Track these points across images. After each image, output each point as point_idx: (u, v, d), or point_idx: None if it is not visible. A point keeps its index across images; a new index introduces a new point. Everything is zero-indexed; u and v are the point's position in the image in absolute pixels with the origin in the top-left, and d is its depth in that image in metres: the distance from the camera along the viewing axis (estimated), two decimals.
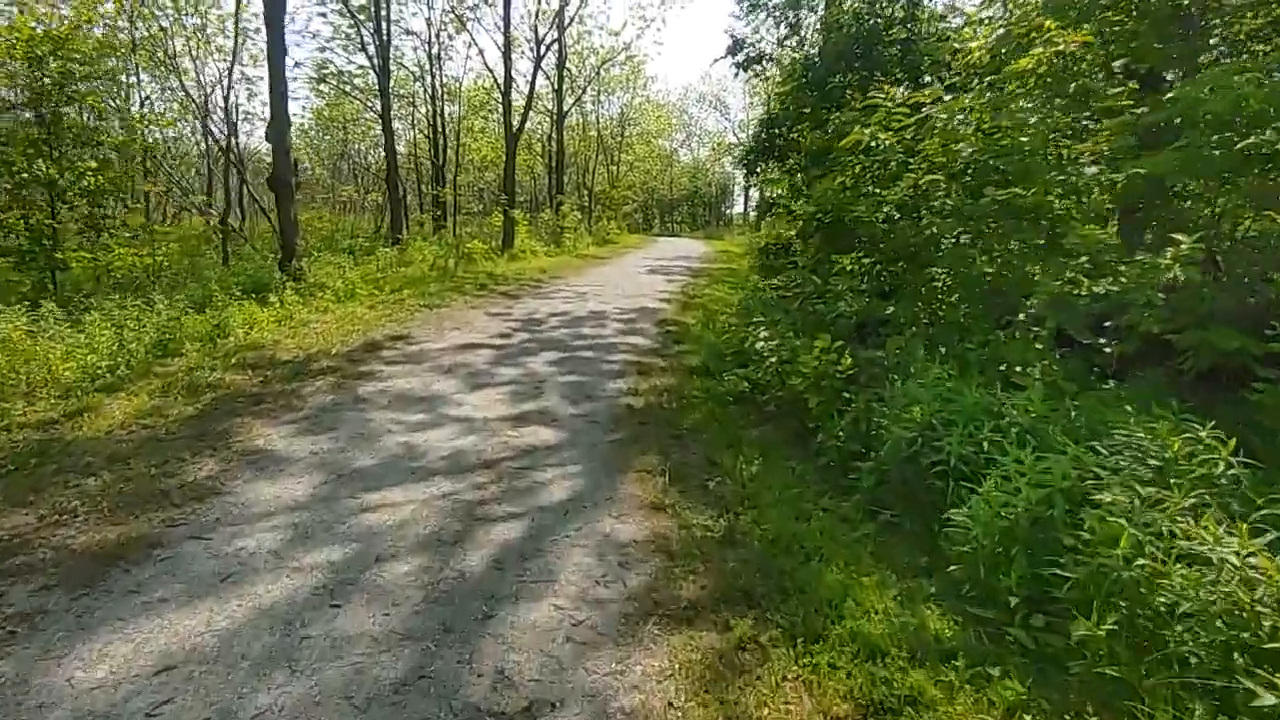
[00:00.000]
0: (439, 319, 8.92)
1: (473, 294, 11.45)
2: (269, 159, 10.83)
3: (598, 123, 36.17)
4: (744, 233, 38.97)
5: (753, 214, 43.75)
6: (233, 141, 14.87)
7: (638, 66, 33.71)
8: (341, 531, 3.17)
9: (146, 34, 14.54)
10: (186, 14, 16.15)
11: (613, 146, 38.65)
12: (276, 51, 9.25)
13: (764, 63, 15.47)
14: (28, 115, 7.14)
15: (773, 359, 5.59)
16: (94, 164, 7.23)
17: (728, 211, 66.11)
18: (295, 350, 6.72)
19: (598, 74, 30.37)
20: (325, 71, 22.27)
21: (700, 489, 3.87)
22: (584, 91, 31.02)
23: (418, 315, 9.09)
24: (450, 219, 23.23)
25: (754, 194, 54.98)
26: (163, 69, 15.69)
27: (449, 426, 4.76)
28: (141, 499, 3.35)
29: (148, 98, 18.22)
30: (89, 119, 8.49)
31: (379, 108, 18.89)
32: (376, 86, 19.23)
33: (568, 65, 27.00)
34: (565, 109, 27.31)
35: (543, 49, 21.99)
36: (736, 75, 17.68)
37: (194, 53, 16.11)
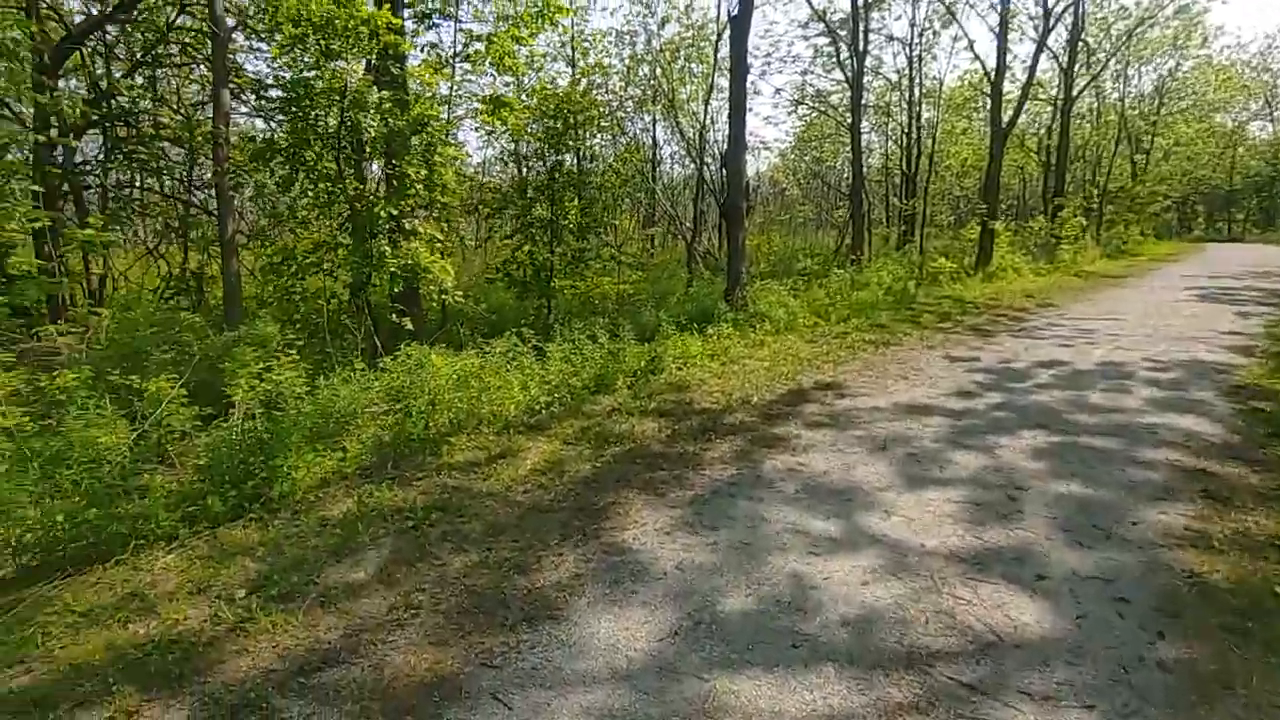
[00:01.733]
0: (883, 361, 7.39)
1: (931, 326, 9.51)
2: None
3: (1121, 103, 28.66)
4: None
5: None
6: (705, 166, 15.89)
7: (1194, 19, 25.35)
8: None
9: (650, 81, 16.63)
10: (691, 61, 18.12)
11: (1141, 130, 30.20)
12: (738, 73, 9.01)
13: None
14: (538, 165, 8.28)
15: None
16: (577, 203, 7.93)
17: None
18: (716, 395, 6.11)
19: (1128, 39, 23.81)
20: (803, 94, 22.74)
21: None
22: (1103, 67, 24.75)
23: (859, 355, 7.72)
24: (918, 233, 21.08)
25: None
26: (663, 108, 17.81)
27: (864, 554, 3.29)
28: (482, 604, 2.86)
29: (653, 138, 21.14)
30: (580, 162, 9.57)
31: (850, 121, 18.13)
32: (849, 101, 18.56)
33: (1084, 38, 21.78)
34: (1075, 93, 22.12)
35: (1051, 21, 17.97)
36: None
37: (683, 84, 17.89)
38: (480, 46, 8.30)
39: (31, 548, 3.20)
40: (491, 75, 8.53)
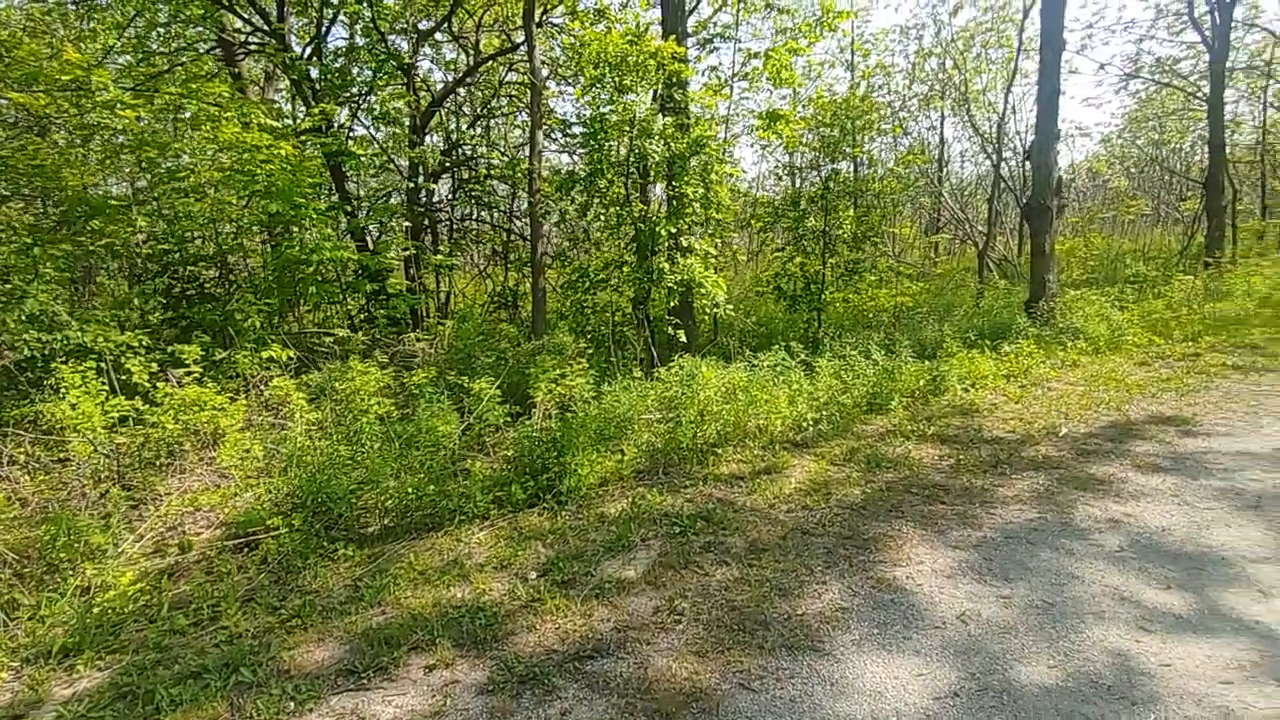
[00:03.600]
0: (1254, 393, 5.78)
1: None
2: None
3: None
4: None
5: None
6: (1003, 161, 14.08)
7: None
8: None
9: (944, 74, 15.27)
10: (988, 47, 16.28)
11: None
12: (1049, 52, 7.82)
13: None
14: (810, 176, 8.11)
15: None
16: (852, 212, 7.60)
17: None
18: (1012, 422, 5.35)
19: None
20: (1139, 65, 19.01)
21: None
22: None
23: (1217, 383, 6.15)
24: None
25: None
26: (953, 102, 16.26)
27: (1225, 642, 2.58)
28: (741, 619, 2.84)
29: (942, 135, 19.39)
30: (858, 169, 9.13)
31: (1206, 92, 14.65)
32: (1207, 68, 15.04)
33: None
34: None
35: None
36: None
37: (978, 73, 16.12)
38: (758, 64, 8.42)
39: (391, 512, 4.01)
40: (769, 90, 8.60)
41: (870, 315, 8.78)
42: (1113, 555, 3.26)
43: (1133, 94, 22.42)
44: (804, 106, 8.01)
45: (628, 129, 6.27)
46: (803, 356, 6.48)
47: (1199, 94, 16.75)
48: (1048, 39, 7.99)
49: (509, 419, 4.99)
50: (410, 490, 3.98)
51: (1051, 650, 2.59)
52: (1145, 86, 20.77)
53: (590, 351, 6.90)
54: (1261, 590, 2.91)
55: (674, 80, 6.99)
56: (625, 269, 6.71)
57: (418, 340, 7.24)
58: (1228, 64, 15.19)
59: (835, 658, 2.59)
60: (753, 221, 8.72)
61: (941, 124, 18.71)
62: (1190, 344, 7.65)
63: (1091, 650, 2.58)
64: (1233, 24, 15.03)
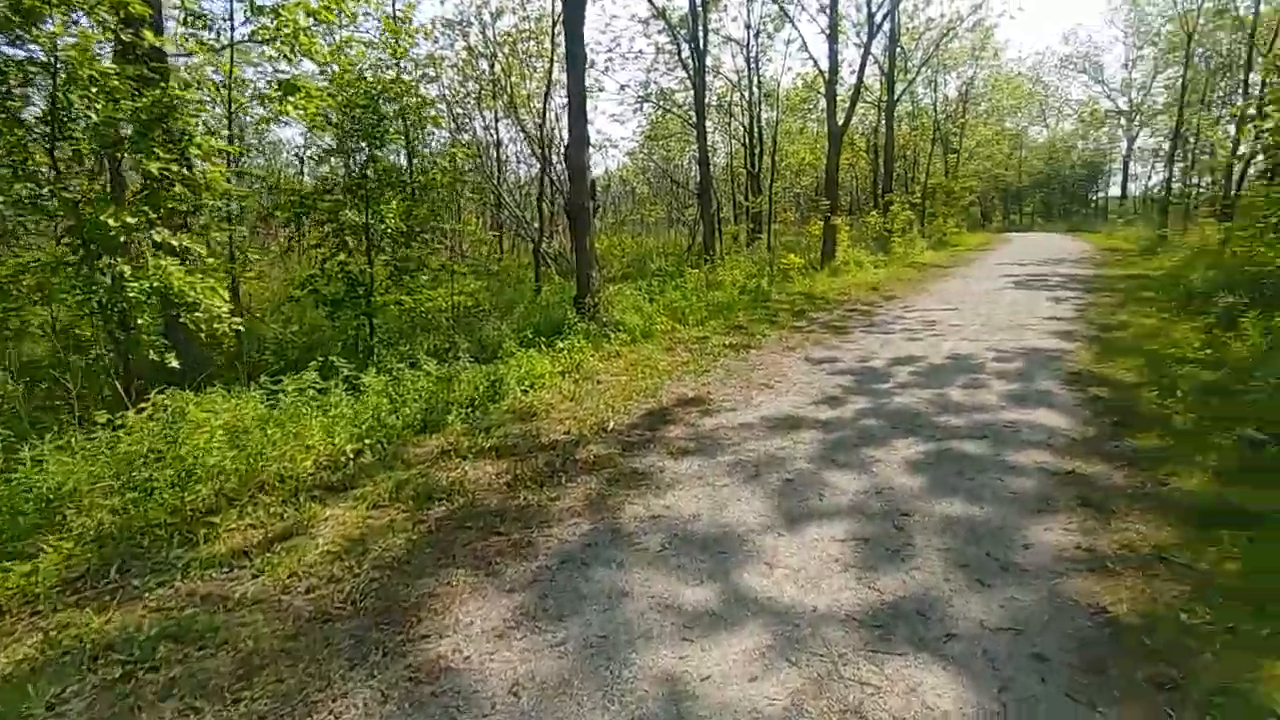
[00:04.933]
0: (746, 368, 6.97)
1: (788, 325, 9.33)
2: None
3: (934, 107, 31.33)
4: (1131, 223, 30.24)
5: (1158, 194, 34.41)
6: (550, 164, 15.08)
7: (988, 33, 28.19)
8: None
9: (488, 71, 15.52)
10: (530, 56, 17.12)
11: (950, 131, 33.24)
12: (574, 67, 8.29)
13: None
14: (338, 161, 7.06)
15: None
16: (395, 206, 6.81)
17: (1095, 198, 53.50)
18: (567, 421, 5.33)
19: (936, 49, 25.93)
20: (649, 91, 22.55)
21: None
22: (917, 73, 26.84)
23: (721, 361, 7.26)
24: (765, 229, 21.53)
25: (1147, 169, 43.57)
26: (504, 104, 16.73)
27: (748, 632, 2.65)
28: None
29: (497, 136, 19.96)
30: (411, 160, 8.42)
31: (695, 119, 18.08)
32: (693, 100, 18.53)
33: (900, 43, 23.39)
34: (896, 96, 23.72)
35: (873, 28, 18.96)
36: None
37: (524, 79, 16.94)
38: (268, 22, 6.93)
39: None
40: (289, 61, 7.15)
41: (430, 317, 8.17)
42: (656, 557, 3.24)
43: (647, 115, 26.61)
44: (333, 84, 6.86)
45: (38, 70, 4.30)
46: (348, 372, 5.49)
47: (691, 120, 20.69)
48: (571, 55, 8.44)
49: None
50: None
51: (607, 701, 2.30)
52: (655, 110, 24.78)
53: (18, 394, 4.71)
54: (767, 563, 3.17)
55: (135, 18, 5.15)
56: (63, 274, 4.67)
57: None
58: (706, 100, 19.03)
59: None
60: (277, 213, 7.23)
61: (496, 124, 19.24)
62: (700, 328, 9.05)
63: (643, 685, 2.37)
64: (706, 69, 18.85)
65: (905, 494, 3.86)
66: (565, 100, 10.96)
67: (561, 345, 7.25)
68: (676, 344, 8.20)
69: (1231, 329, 7.56)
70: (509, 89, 16.52)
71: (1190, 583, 2.89)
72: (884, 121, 23.64)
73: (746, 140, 23.69)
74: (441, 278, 7.66)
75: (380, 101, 7.09)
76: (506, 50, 16.65)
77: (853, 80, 19.11)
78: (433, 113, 9.39)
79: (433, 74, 16.31)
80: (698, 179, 18.67)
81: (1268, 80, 15.96)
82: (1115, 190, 48.45)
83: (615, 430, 5.13)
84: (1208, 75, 26.03)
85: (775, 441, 4.76)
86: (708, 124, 25.73)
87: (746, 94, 23.08)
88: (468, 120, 17.72)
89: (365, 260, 7.21)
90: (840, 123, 17.18)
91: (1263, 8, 18.34)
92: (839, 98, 18.79)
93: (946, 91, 33.20)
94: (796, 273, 13.94)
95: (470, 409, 5.55)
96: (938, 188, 29.71)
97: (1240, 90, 20.93)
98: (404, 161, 8.37)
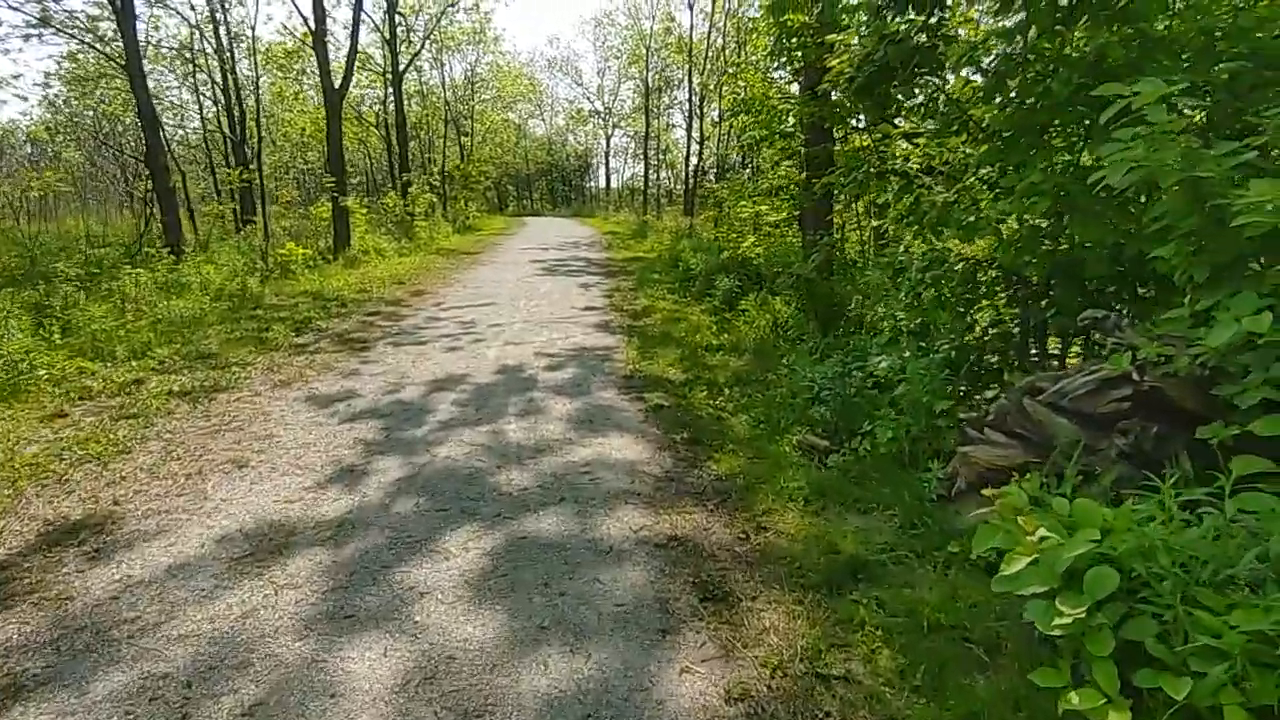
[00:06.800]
0: (204, 431, 4.41)
1: (286, 344, 6.83)
2: None
3: (443, 87, 30.69)
4: (619, 210, 35.32)
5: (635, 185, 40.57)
6: None
7: (486, 18, 28.61)
8: None
9: None
10: None
11: (461, 115, 33.21)
12: None
13: None
14: None
15: None
16: None
17: (589, 186, 61.86)
18: None
19: (437, 23, 25.02)
20: (46, 12, 15.64)
21: None
22: (422, 47, 25.58)
23: (158, 426, 4.51)
24: (260, 212, 17.35)
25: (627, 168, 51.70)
26: None
27: None
28: None
29: None
30: None
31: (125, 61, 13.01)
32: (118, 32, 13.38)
33: (400, 10, 21.64)
34: (402, 68, 22.00)
35: None
36: None
37: None
38: None
39: None
40: None
41: None
42: None
43: (49, 45, 18.99)
44: None
45: None
46: None
47: (121, 61, 15.10)
48: None
49: None
50: None
51: None
52: (66, 41, 17.66)
53: None
54: None
55: None
56: None
57: None
58: (143, 37, 14.00)
59: None
60: None
61: None
62: (136, 364, 5.87)
63: None
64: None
65: (473, 669, 2.25)
66: None
67: None
68: (81, 401, 4.99)
69: (731, 309, 8.23)
70: None
71: None
72: (393, 93, 21.70)
73: (222, 100, 18.94)
74: None
75: None
76: None
77: (348, 42, 16.53)
78: None
79: None
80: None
81: (705, 94, 19.57)
82: (604, 181, 56.61)
83: None
84: (662, 85, 31.49)
85: (236, 597, 2.61)
86: (170, 76, 20.12)
87: (212, 39, 18.32)
88: None
89: None
90: (338, 84, 14.59)
91: (695, 35, 22.50)
92: (336, 66, 16.11)
93: (453, 74, 33.00)
94: (301, 266, 11.14)
95: None
96: (454, 172, 29.30)
97: (688, 101, 25.75)
98: None
